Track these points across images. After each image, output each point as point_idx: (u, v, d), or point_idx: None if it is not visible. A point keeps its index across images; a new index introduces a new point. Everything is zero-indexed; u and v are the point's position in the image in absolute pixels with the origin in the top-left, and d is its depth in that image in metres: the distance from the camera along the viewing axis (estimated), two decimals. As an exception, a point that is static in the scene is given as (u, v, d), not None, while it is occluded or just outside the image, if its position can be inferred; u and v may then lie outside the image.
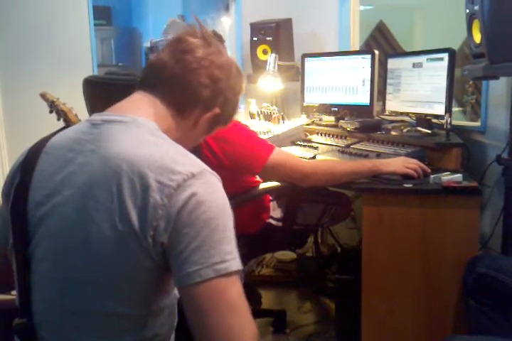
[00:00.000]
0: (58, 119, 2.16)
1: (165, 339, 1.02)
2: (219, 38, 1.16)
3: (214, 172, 0.96)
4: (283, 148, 2.22)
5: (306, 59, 2.96)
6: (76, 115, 2.15)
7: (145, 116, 1.03)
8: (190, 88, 1.07)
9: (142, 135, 0.98)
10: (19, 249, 0.98)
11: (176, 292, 1.02)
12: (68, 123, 2.10)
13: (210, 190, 0.92)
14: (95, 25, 3.21)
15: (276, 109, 2.97)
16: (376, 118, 2.67)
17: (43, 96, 2.18)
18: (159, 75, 1.08)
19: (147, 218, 0.87)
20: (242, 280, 0.92)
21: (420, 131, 2.30)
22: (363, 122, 2.50)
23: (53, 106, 2.15)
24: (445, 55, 2.15)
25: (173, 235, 0.88)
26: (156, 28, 4.80)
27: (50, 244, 0.96)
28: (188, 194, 0.89)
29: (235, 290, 0.89)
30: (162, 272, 0.93)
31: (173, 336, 1.06)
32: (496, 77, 1.77)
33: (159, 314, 0.98)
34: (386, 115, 2.67)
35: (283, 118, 2.79)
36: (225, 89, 1.11)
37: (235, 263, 0.90)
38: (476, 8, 1.61)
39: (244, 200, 1.96)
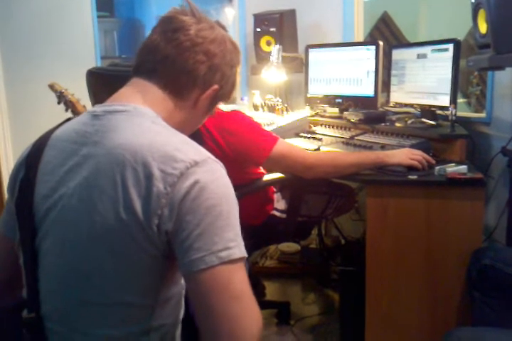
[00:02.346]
0: (66, 110, 2.16)
1: (171, 329, 1.02)
2: (223, 29, 1.14)
3: (218, 160, 0.96)
4: (287, 140, 2.21)
5: (310, 50, 2.95)
6: (84, 106, 2.15)
7: (142, 104, 1.02)
8: (186, 67, 1.04)
9: (144, 124, 0.97)
10: (26, 243, 0.98)
11: (183, 281, 1.02)
12: (76, 114, 2.10)
13: (213, 178, 0.91)
14: (98, 17, 3.20)
15: (280, 100, 2.97)
16: (380, 109, 2.66)
17: (52, 87, 2.18)
18: (153, 58, 1.05)
19: (151, 207, 0.87)
20: (247, 269, 0.92)
21: (425, 122, 2.29)
22: (368, 113, 2.49)
23: (61, 97, 2.15)
24: (450, 46, 2.13)
25: (177, 223, 0.88)
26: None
27: (57, 235, 0.96)
28: (191, 181, 0.88)
29: (239, 277, 0.89)
30: (168, 261, 0.93)
31: (179, 327, 1.06)
32: (501, 68, 1.76)
33: (166, 304, 0.98)
34: (390, 106, 2.66)
35: (287, 110, 2.78)
36: (221, 64, 1.08)
37: (239, 250, 0.90)
38: (482, -3, 1.60)
39: (248, 192, 1.96)
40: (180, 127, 1.05)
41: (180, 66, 1.04)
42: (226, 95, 1.15)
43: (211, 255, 0.87)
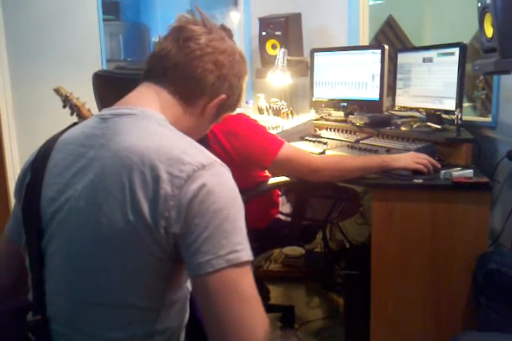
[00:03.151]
0: (71, 114, 2.17)
1: (175, 333, 1.02)
2: (228, 33, 1.15)
3: (223, 164, 0.96)
4: (292, 144, 2.21)
5: (315, 54, 2.95)
6: (89, 110, 2.15)
7: (152, 108, 1.03)
8: (195, 75, 1.06)
9: (151, 127, 0.98)
10: (32, 246, 0.99)
11: (188, 285, 1.02)
12: (81, 118, 2.11)
13: (219, 181, 0.92)
14: (104, 20, 3.21)
15: (285, 104, 2.97)
16: (386, 113, 2.65)
17: (57, 91, 2.19)
18: (163, 65, 1.07)
19: (158, 209, 0.88)
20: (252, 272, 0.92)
21: (430, 126, 2.28)
22: (373, 117, 2.49)
23: (67, 101, 2.16)
24: (456, 50, 2.13)
25: (184, 226, 0.88)
26: (164, 23, 4.79)
27: (63, 237, 0.96)
28: (198, 185, 0.89)
29: (246, 280, 0.89)
30: (174, 264, 0.93)
31: (183, 331, 1.06)
32: (507, 72, 1.75)
33: (171, 307, 0.98)
34: (396, 110, 2.66)
35: (292, 114, 2.78)
36: (229, 74, 1.10)
37: (246, 253, 0.90)
38: (489, 1, 1.60)
39: (253, 195, 1.96)
40: (188, 133, 1.06)
41: (189, 74, 1.06)
42: (232, 105, 1.18)
43: (219, 258, 0.87)
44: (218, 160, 0.96)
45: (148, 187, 0.89)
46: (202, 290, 0.88)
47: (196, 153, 0.94)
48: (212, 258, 0.87)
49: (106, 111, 1.03)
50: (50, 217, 0.97)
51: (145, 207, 0.88)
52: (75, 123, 1.10)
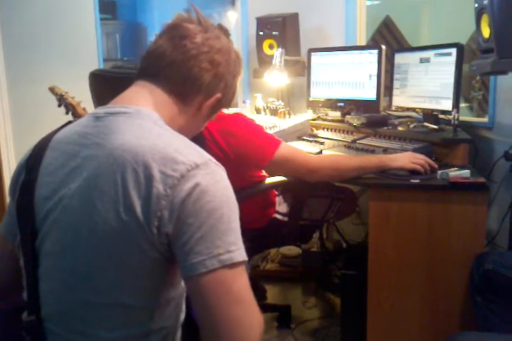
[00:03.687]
0: (67, 113, 2.16)
1: (171, 332, 1.02)
2: (225, 32, 1.15)
3: (218, 163, 0.96)
4: (289, 143, 2.21)
5: (312, 53, 2.96)
6: (84, 109, 2.14)
7: (147, 106, 1.03)
8: (191, 75, 1.06)
9: (146, 125, 0.98)
10: (26, 244, 0.98)
11: (183, 284, 1.02)
12: (76, 117, 2.10)
13: (214, 181, 0.91)
14: (101, 19, 3.20)
15: (282, 103, 2.97)
16: (383, 113, 2.66)
17: (52, 90, 2.18)
18: (159, 63, 1.06)
19: (151, 208, 0.87)
20: (248, 273, 0.92)
21: (427, 126, 2.29)
22: (370, 117, 2.49)
23: (62, 100, 2.15)
24: (453, 50, 2.14)
25: (177, 225, 0.88)
26: (160, 23, 4.78)
27: (57, 236, 0.96)
28: (192, 184, 0.88)
29: (240, 281, 0.89)
30: (168, 263, 0.93)
31: (179, 329, 1.06)
32: (504, 72, 1.76)
33: (166, 306, 0.98)
34: (392, 110, 2.66)
35: (289, 113, 2.79)
36: (225, 73, 1.10)
37: (240, 253, 0.90)
38: (486, 2, 1.60)
39: (250, 195, 1.96)
40: (182, 131, 1.06)
41: (185, 73, 1.06)
42: (227, 103, 1.17)
43: (212, 258, 0.87)
44: (213, 160, 0.95)
45: (141, 185, 0.88)
46: (195, 291, 0.88)
47: (191, 153, 0.93)
48: (205, 259, 0.86)
49: (100, 110, 1.02)
50: (44, 215, 0.97)
51: (138, 205, 0.88)
52: (69, 122, 1.09)
